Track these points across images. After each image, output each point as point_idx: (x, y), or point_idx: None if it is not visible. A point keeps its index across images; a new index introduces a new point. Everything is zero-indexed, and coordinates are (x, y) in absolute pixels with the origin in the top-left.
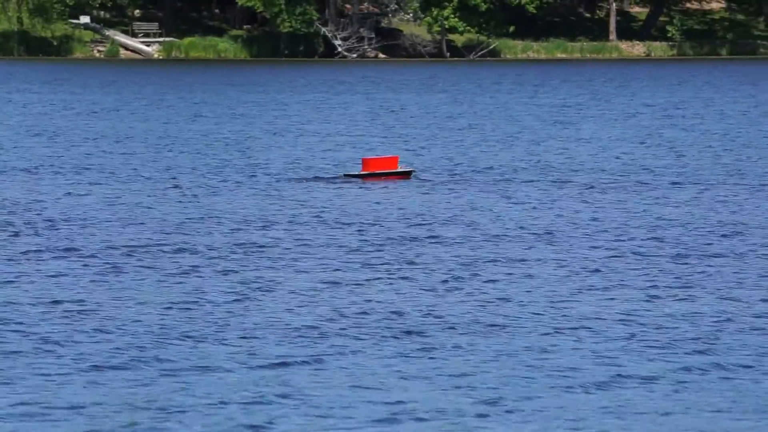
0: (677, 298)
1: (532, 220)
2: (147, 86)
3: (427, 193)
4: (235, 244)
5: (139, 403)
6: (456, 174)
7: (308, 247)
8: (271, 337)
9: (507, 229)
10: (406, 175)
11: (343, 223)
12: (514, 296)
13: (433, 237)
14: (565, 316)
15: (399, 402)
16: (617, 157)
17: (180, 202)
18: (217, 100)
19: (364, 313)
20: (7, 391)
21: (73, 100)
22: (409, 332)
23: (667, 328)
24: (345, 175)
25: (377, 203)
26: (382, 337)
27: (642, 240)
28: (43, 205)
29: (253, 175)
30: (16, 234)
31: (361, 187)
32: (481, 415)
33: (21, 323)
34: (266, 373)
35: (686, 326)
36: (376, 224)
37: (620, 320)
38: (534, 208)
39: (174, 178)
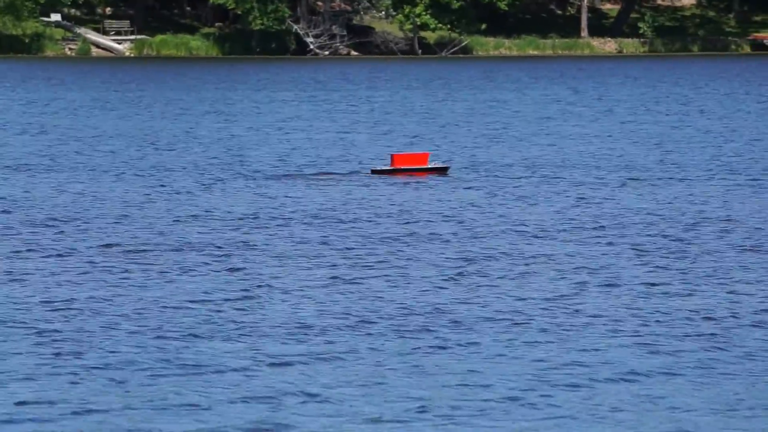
0: (697, 294)
1: (561, 216)
2: (132, 83)
3: (459, 189)
4: (260, 242)
5: (146, 403)
6: (482, 170)
7: (330, 243)
8: (284, 333)
9: (534, 225)
10: (441, 171)
11: (370, 221)
12: (534, 293)
13: (459, 233)
14: (584, 312)
15: (416, 398)
16: (638, 153)
17: (203, 198)
18: (216, 98)
19: (384, 310)
20: (11, 390)
21: (54, 98)
22: (426, 329)
23: (679, 323)
24: (372, 171)
25: (415, 199)
26: (401, 333)
27: (676, 235)
28: (36, 203)
29: (274, 173)
30: (11, 233)
31: (392, 184)
32: (497, 411)
33: (21, 322)
34: (281, 371)
35: (696, 321)
36: (407, 220)
37: (641, 317)
38: (562, 203)
39: (205, 174)
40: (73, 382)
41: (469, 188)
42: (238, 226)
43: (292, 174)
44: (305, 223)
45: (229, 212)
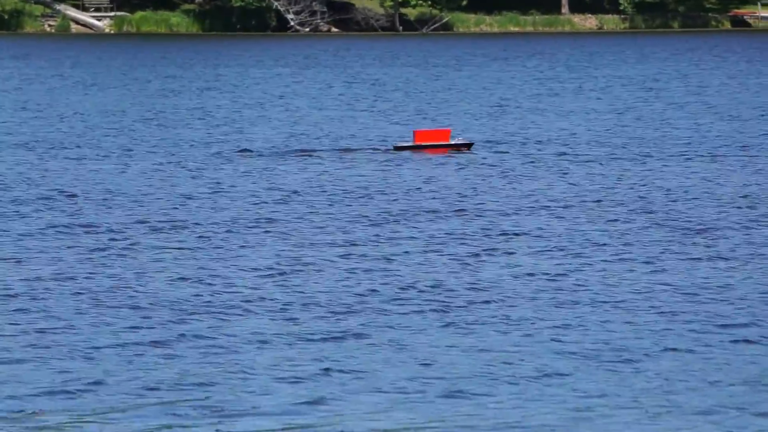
0: (728, 270)
1: (585, 192)
2: (121, 59)
3: (484, 165)
4: (283, 218)
5: (181, 379)
6: (502, 146)
7: (358, 220)
8: (316, 310)
9: (559, 201)
10: (465, 147)
11: (396, 197)
12: (557, 270)
13: (482, 209)
14: (611, 290)
15: (448, 377)
16: (646, 128)
17: (225, 175)
18: (211, 75)
19: (410, 286)
20: (53, 366)
21: (45, 75)
22: (451, 306)
23: (710, 298)
24: (395, 147)
25: (442, 175)
26: (427, 311)
27: (700, 211)
28: (47, 181)
29: (294, 149)
30: (26, 210)
31: (416, 160)
32: (529, 390)
33: (46, 300)
34: (312, 347)
35: (728, 297)
36: (434, 196)
37: (672, 293)
38: (584, 179)
39: (244, 150)
40: (105, 359)
41: (493, 164)
42: (263, 203)
43: (313, 150)
44: (331, 200)
45: (252, 190)
